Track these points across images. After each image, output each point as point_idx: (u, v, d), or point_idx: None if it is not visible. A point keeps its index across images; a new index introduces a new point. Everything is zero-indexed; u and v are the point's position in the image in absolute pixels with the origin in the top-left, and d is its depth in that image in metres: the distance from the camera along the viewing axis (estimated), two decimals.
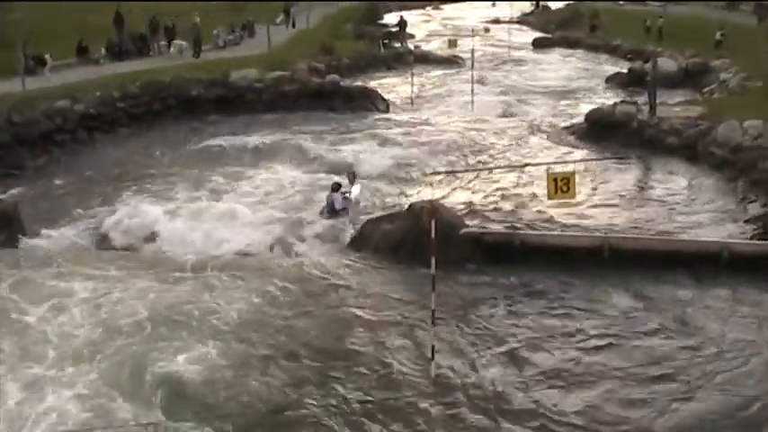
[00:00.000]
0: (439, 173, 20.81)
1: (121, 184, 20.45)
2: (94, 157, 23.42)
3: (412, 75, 34.09)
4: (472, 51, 35.17)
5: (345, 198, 17.29)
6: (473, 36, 40.69)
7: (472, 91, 31.38)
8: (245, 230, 16.29)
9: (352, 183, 17.68)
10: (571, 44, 53.81)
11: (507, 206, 18.25)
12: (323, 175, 20.60)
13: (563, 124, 27.50)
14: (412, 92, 33.30)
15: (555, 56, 50.08)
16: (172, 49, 34.44)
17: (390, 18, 66.65)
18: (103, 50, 32.11)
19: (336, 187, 17.55)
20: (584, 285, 13.74)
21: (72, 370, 10.70)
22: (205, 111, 28.34)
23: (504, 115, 29.80)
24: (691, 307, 12.93)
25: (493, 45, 52.30)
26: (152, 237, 16.19)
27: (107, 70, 29.16)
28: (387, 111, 30.65)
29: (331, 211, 17.36)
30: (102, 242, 16.29)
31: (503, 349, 11.73)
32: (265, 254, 15.54)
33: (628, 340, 11.92)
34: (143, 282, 13.57)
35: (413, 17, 69.65)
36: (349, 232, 16.29)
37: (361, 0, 63.10)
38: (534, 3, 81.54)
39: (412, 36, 55.50)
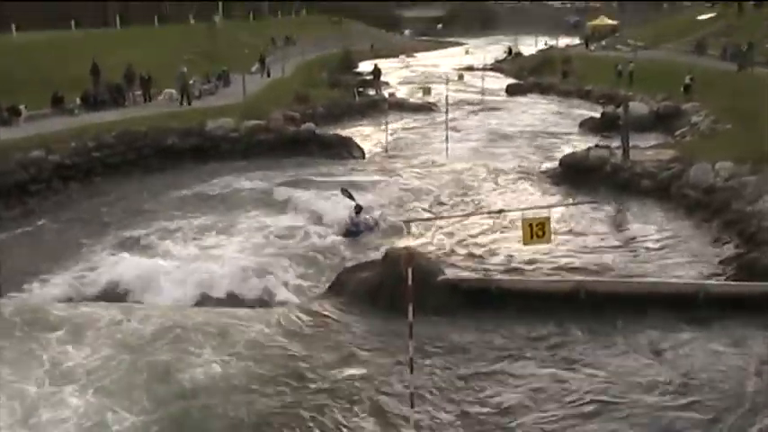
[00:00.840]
0: (415, 219, 20.86)
1: (97, 235, 20.31)
2: (70, 207, 23.25)
3: (386, 122, 34.26)
4: (446, 98, 35.46)
5: (366, 221, 19.49)
6: (447, 83, 40.88)
7: (447, 137, 31.58)
8: (213, 280, 16.23)
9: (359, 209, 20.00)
10: (544, 90, 54.34)
11: (483, 252, 18.23)
12: (300, 223, 20.79)
13: (538, 169, 27.66)
14: (387, 139, 33.45)
15: (528, 101, 50.53)
16: (161, 97, 34.81)
17: (365, 66, 67.30)
18: (78, 101, 32.04)
19: (359, 210, 19.68)
20: (561, 330, 13.65)
21: None
22: (181, 160, 28.23)
23: (478, 161, 29.97)
24: (671, 350, 12.84)
25: (467, 92, 52.82)
26: (129, 289, 16.12)
27: (82, 120, 29.06)
28: (362, 158, 30.79)
29: (351, 232, 19.47)
30: (76, 295, 16.09)
31: (483, 396, 11.61)
32: (236, 305, 15.44)
33: (610, 386, 11.78)
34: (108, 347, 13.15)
35: (387, 65, 70.31)
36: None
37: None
38: (507, 50, 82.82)
39: (386, 84, 55.99)
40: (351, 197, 21.07)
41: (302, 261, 18.07)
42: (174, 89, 35.21)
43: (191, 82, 36.87)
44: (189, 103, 34.53)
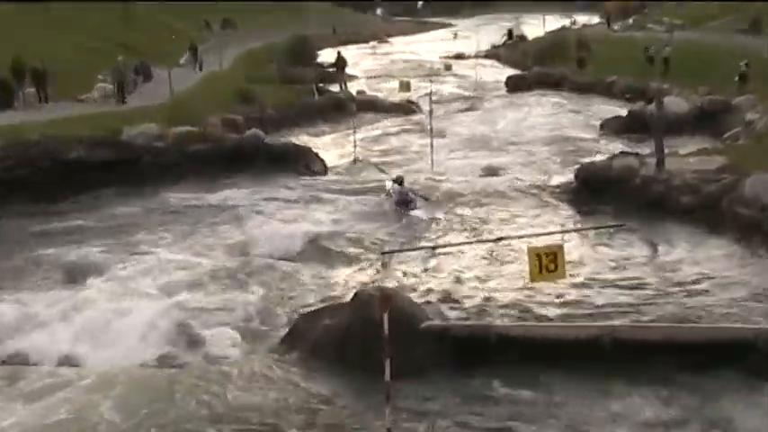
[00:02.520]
0: (393, 251, 20.88)
1: None
2: None
3: (354, 127, 34.33)
4: (430, 95, 35.46)
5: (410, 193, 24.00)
6: (431, 76, 41.06)
7: (431, 146, 31.70)
8: (130, 332, 16.27)
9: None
10: (554, 83, 54.71)
11: (479, 291, 18.24)
12: (237, 262, 20.89)
13: (548, 184, 27.73)
14: (355, 149, 33.54)
15: (534, 98, 50.78)
16: (95, 92, 34.84)
17: (326, 55, 67.27)
18: None
19: (401, 181, 24.25)
20: (581, 390, 13.58)
21: None
22: (88, 178, 27.86)
23: (472, 175, 30.10)
24: (729, 414, 12.79)
25: (457, 86, 53.39)
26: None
27: None
28: (324, 173, 30.94)
29: (402, 202, 24.03)
30: None
31: None
32: (161, 361, 15.54)
33: None
34: None
35: (355, 53, 70.65)
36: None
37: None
38: (506, 33, 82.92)
39: (354, 78, 56.48)
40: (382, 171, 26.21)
41: (243, 302, 18.25)
42: (109, 83, 35.42)
43: (99, 77, 36.80)
44: (124, 101, 34.95)
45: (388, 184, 25.97)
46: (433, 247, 21.26)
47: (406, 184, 25.55)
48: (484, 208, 25.58)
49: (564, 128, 40.30)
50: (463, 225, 23.94)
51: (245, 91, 40.02)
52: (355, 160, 32.98)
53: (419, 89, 43.77)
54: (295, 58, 60.57)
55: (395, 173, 27.54)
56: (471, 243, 21.30)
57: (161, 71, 39.68)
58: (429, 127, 32.95)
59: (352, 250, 21.94)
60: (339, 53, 54.83)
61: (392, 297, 12.98)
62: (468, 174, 30.41)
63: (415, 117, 43.17)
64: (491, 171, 30.94)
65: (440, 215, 24.53)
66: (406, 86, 41.41)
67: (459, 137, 38.18)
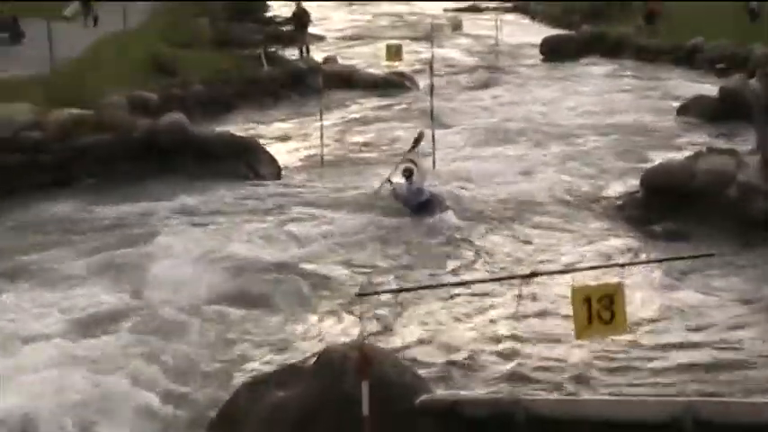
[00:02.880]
0: (374, 292, 19.63)
1: None
2: None
3: (322, 112, 34.27)
4: (431, 66, 35.55)
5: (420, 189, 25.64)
6: (432, 37, 40.93)
7: (433, 138, 31.57)
8: None
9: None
10: (611, 48, 55.37)
11: (501, 349, 18.28)
12: (135, 309, 20.65)
13: (601, 194, 27.99)
14: (322, 143, 33.41)
15: (582, 69, 51.50)
16: None
17: (280, 8, 67.03)
18: None
19: (409, 174, 25.31)
20: None
21: None
22: None
23: (492, 181, 30.12)
24: None
25: (469, 53, 53.99)
26: None
27: None
28: (276, 177, 31.04)
29: (416, 205, 25.37)
30: None
31: None
32: None
33: None
34: None
35: (323, 3, 70.21)
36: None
37: None
38: None
39: (321, 39, 57.30)
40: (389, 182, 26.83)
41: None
42: None
43: None
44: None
45: (388, 185, 26.94)
46: (431, 287, 21.43)
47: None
48: (510, 228, 25.79)
49: (625, 112, 40.48)
50: (480, 253, 24.06)
51: (162, 57, 40.14)
52: (322, 159, 32.93)
53: (414, 57, 43.77)
54: (236, 11, 60.78)
55: (386, 176, 27.80)
56: (492, 280, 21.26)
57: (37, 27, 39.44)
58: (430, 111, 32.89)
59: (315, 290, 21.95)
60: (299, 4, 54.11)
61: (374, 358, 13.04)
62: (486, 178, 30.48)
63: (409, 96, 43.42)
64: (519, 175, 31.06)
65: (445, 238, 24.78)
66: (395, 53, 41.61)
67: (473, 126, 38.29)
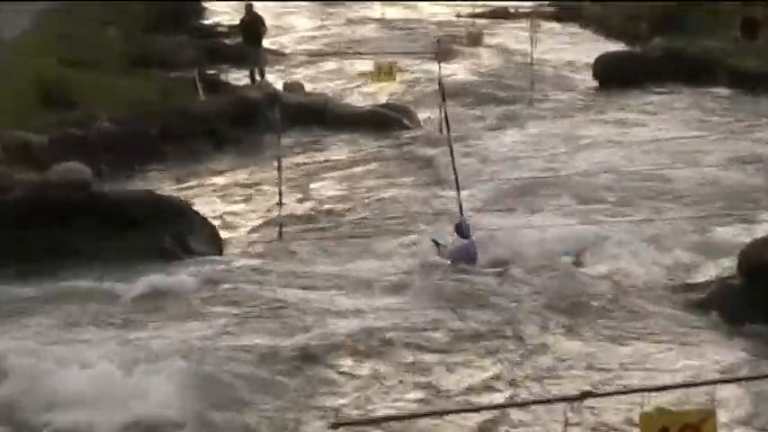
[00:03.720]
0: (355, 422, 17.32)
1: None
2: None
3: (280, 161, 30.24)
4: (441, 89, 31.67)
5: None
6: (439, 53, 38.78)
7: (459, 203, 27.45)
8: None
9: None
10: (694, 72, 50.73)
11: None
12: None
13: (679, 280, 25.40)
14: (280, 207, 29.51)
15: (655, 101, 47.67)
16: None
17: (223, 13, 68.37)
18: None
19: (464, 227, 25.22)
20: None
21: None
22: None
23: (530, 261, 26.40)
24: None
25: (491, 74, 51.29)
26: None
27: None
28: (216, 253, 27.74)
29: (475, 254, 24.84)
30: None
31: None
32: None
33: None
34: None
35: (286, 4, 72.90)
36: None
37: None
38: None
39: (280, 56, 56.59)
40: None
41: None
42: None
43: None
44: None
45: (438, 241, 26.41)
46: (448, 412, 19.10)
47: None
48: (556, 329, 22.69)
49: (716, 166, 36.53)
50: (514, 363, 21.28)
51: (53, 82, 36.65)
52: (280, 230, 28.55)
53: (411, 77, 44.66)
54: (160, 19, 59.70)
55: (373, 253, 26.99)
56: (531, 404, 18.92)
57: None
58: (450, 158, 28.84)
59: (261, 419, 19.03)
60: (249, 7, 50.71)
61: None
62: (523, 257, 26.99)
63: (410, 137, 39.94)
64: (567, 254, 27.64)
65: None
66: (387, 73, 40.36)
67: (498, 180, 34.24)
